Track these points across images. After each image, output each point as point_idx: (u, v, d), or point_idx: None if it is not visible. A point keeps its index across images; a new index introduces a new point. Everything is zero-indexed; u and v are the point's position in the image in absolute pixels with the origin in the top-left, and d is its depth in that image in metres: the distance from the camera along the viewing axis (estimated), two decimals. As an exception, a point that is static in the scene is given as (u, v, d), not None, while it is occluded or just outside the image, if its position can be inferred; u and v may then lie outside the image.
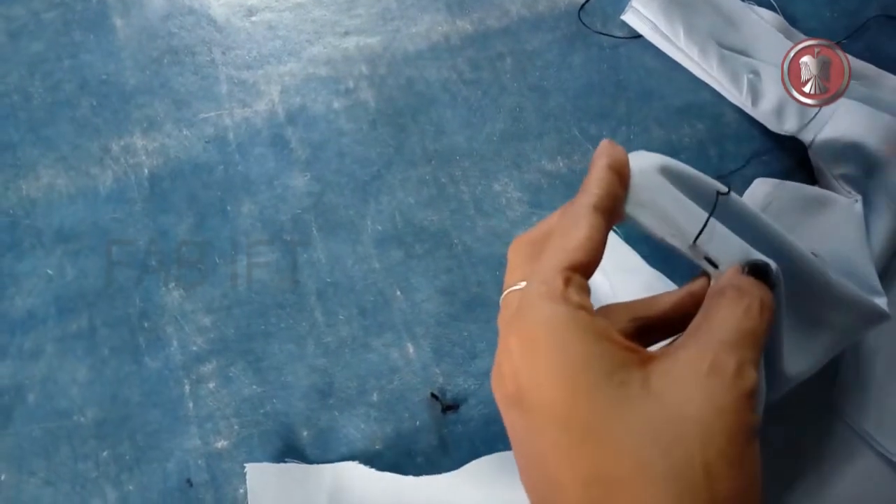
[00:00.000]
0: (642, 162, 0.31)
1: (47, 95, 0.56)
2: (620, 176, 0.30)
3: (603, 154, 0.30)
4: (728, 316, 0.27)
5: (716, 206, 0.31)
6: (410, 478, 0.45)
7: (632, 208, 0.30)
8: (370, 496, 0.45)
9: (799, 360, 0.34)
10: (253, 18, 0.60)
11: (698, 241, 0.30)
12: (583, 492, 0.24)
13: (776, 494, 0.42)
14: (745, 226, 0.33)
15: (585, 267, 0.28)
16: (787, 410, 0.40)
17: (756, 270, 0.29)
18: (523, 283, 0.29)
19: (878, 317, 0.37)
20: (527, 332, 0.26)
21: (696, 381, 0.24)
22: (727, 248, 0.30)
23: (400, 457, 0.47)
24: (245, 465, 0.45)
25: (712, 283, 0.30)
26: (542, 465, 0.25)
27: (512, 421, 0.27)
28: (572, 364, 0.25)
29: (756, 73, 0.54)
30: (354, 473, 0.45)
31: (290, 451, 0.47)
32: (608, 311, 0.32)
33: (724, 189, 0.32)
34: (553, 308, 0.26)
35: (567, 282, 0.27)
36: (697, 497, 0.23)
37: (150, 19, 0.59)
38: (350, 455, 0.47)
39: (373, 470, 0.45)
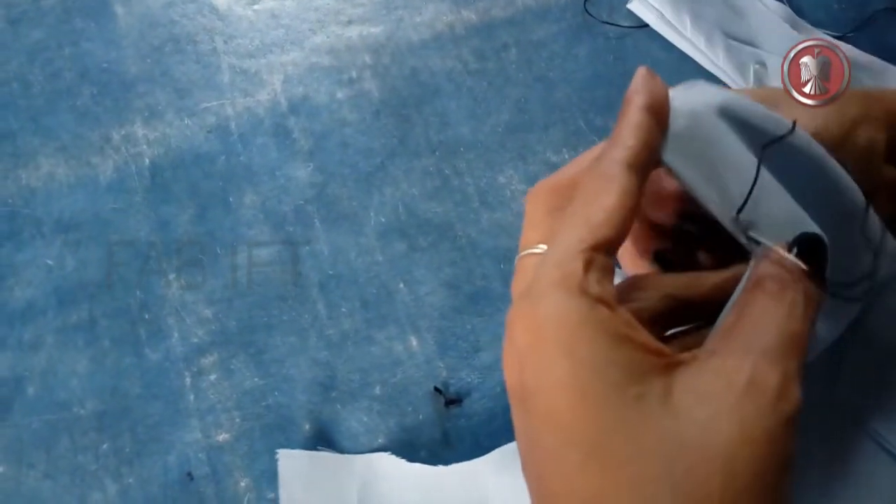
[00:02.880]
0: (698, 99, 0.25)
1: (47, 84, 0.56)
2: (660, 121, 0.24)
3: (641, 90, 0.24)
4: (769, 317, 0.22)
5: (758, 174, 0.24)
6: (441, 468, 0.45)
7: (674, 160, 0.24)
8: (400, 487, 0.44)
9: (828, 324, 0.28)
10: (255, 7, 0.59)
11: (742, 213, 0.24)
12: None
13: None
14: (801, 173, 0.26)
15: (612, 243, 0.23)
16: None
17: (805, 249, 0.23)
18: (542, 247, 0.25)
19: None
20: (533, 325, 0.22)
21: (729, 399, 0.20)
22: (775, 215, 0.24)
23: (403, 450, 0.46)
24: (277, 451, 0.45)
25: (751, 263, 0.24)
26: (539, 472, 0.22)
27: (515, 415, 0.24)
28: (581, 372, 0.21)
29: (762, 63, 0.54)
30: (385, 464, 0.45)
31: (291, 444, 0.46)
32: (638, 283, 0.26)
33: (783, 131, 0.25)
34: (566, 302, 0.22)
35: (587, 266, 0.22)
36: None
37: (152, 7, 0.59)
38: (352, 448, 0.46)
39: (403, 461, 0.45)
